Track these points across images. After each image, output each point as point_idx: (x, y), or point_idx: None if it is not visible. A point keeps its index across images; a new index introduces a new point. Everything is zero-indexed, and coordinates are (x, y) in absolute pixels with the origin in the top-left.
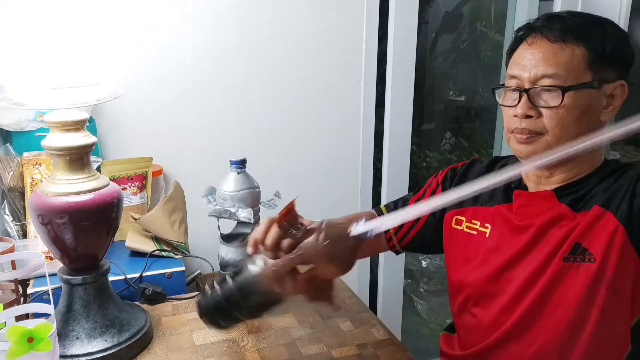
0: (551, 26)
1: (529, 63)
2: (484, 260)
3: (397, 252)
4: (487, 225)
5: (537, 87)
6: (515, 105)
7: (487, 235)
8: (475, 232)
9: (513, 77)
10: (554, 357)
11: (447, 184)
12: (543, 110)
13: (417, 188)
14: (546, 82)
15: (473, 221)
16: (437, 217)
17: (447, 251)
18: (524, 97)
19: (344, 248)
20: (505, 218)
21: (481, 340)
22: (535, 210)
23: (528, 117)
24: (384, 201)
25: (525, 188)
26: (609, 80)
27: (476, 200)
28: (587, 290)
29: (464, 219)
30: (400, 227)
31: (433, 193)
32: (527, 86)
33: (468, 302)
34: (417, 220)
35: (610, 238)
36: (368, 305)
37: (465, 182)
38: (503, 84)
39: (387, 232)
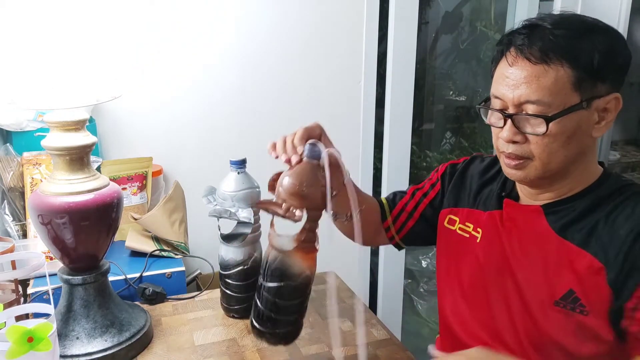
0: (532, 44)
1: (512, 83)
2: (472, 266)
3: (398, 247)
4: (479, 230)
5: (522, 114)
6: (501, 127)
7: (477, 241)
8: (467, 235)
9: (497, 97)
10: None
11: (447, 180)
12: (529, 136)
13: (419, 180)
14: (530, 108)
15: (467, 223)
16: (434, 212)
17: (439, 249)
18: (509, 122)
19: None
20: (495, 228)
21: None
22: (520, 226)
23: (514, 142)
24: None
25: (517, 196)
26: (601, 95)
27: (473, 201)
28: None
29: (457, 219)
30: (398, 217)
31: (432, 186)
32: (511, 110)
33: (455, 303)
34: (414, 211)
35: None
36: (368, 305)
37: (462, 183)
38: (487, 99)
39: (385, 221)
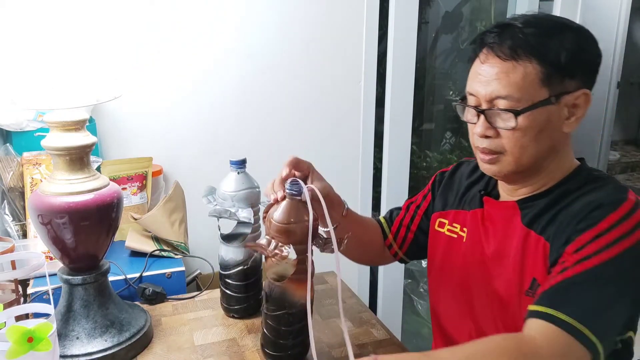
0: (502, 41)
1: (484, 80)
2: (459, 266)
3: (404, 262)
4: (465, 229)
5: (493, 109)
6: (475, 123)
7: (464, 240)
8: (455, 236)
9: (471, 94)
10: None
11: (437, 187)
12: (501, 131)
13: (419, 180)
14: (501, 103)
15: (454, 224)
16: (428, 221)
17: (430, 252)
18: (482, 118)
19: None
20: (477, 226)
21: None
22: (497, 223)
23: (487, 136)
24: (383, 201)
25: (497, 194)
26: (570, 91)
27: (460, 202)
28: None
29: (446, 221)
30: (398, 233)
31: (424, 197)
32: (484, 106)
33: (447, 304)
34: (411, 223)
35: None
36: (368, 305)
37: (450, 186)
38: (463, 97)
39: (386, 238)
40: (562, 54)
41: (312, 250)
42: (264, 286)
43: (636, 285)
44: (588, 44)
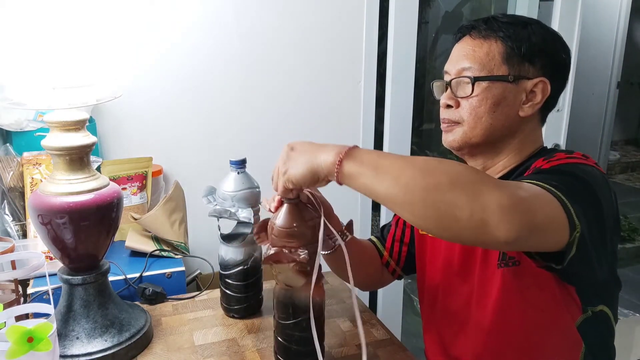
0: (478, 26)
1: (455, 58)
2: (442, 263)
3: (400, 277)
4: None
5: (457, 78)
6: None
7: None
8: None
9: (445, 72)
10: None
11: None
12: (461, 101)
13: None
14: (464, 74)
15: None
16: (413, 229)
17: (417, 258)
18: (448, 90)
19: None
20: None
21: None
22: None
23: (449, 107)
24: None
25: None
26: (528, 77)
27: None
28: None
29: None
30: (392, 249)
31: None
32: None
33: (434, 304)
34: (403, 236)
35: None
36: (368, 305)
37: None
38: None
39: (382, 257)
40: (526, 39)
41: (322, 249)
42: (274, 294)
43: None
44: (554, 42)
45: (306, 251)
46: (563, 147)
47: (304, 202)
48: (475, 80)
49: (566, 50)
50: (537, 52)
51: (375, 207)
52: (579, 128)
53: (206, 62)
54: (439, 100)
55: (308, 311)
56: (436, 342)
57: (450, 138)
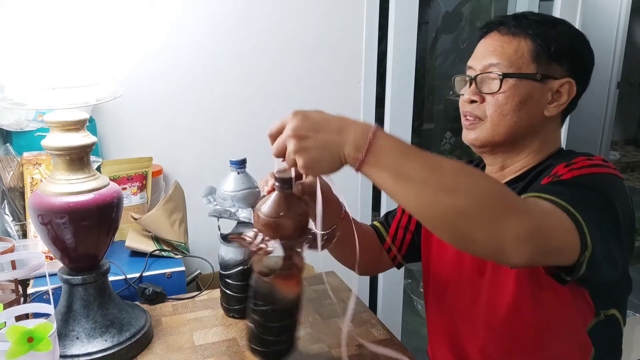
0: (506, 22)
1: (481, 54)
2: (450, 257)
3: (399, 266)
4: None
5: (483, 74)
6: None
7: None
8: None
9: (469, 67)
10: None
11: None
12: (486, 97)
13: None
14: (491, 70)
15: None
16: None
17: (423, 248)
18: (472, 85)
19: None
20: None
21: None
22: None
23: (473, 102)
24: (383, 201)
25: None
26: (555, 77)
27: None
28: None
29: None
30: (396, 235)
31: None
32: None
33: (437, 295)
34: (409, 224)
35: None
36: (368, 305)
37: None
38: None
39: (384, 242)
40: (555, 39)
41: (306, 245)
42: (250, 280)
43: (612, 209)
44: (582, 44)
45: (276, 245)
46: (563, 147)
47: (297, 194)
48: (504, 76)
49: (591, 53)
50: (565, 52)
51: (375, 206)
52: (579, 128)
53: (206, 62)
54: (445, 99)
55: (278, 303)
56: (442, 337)
57: (472, 136)
